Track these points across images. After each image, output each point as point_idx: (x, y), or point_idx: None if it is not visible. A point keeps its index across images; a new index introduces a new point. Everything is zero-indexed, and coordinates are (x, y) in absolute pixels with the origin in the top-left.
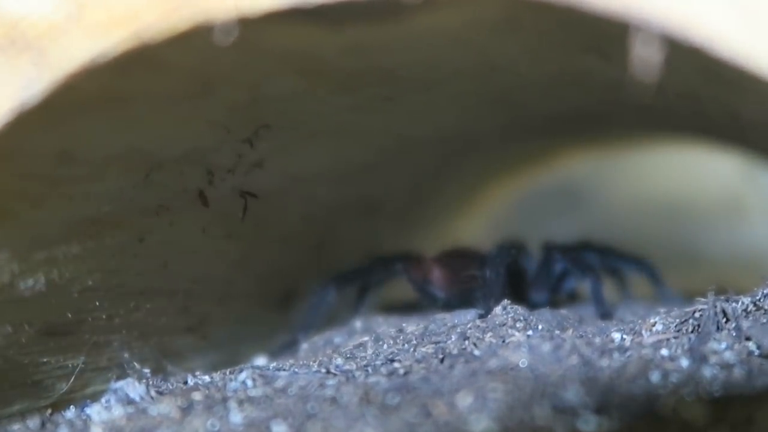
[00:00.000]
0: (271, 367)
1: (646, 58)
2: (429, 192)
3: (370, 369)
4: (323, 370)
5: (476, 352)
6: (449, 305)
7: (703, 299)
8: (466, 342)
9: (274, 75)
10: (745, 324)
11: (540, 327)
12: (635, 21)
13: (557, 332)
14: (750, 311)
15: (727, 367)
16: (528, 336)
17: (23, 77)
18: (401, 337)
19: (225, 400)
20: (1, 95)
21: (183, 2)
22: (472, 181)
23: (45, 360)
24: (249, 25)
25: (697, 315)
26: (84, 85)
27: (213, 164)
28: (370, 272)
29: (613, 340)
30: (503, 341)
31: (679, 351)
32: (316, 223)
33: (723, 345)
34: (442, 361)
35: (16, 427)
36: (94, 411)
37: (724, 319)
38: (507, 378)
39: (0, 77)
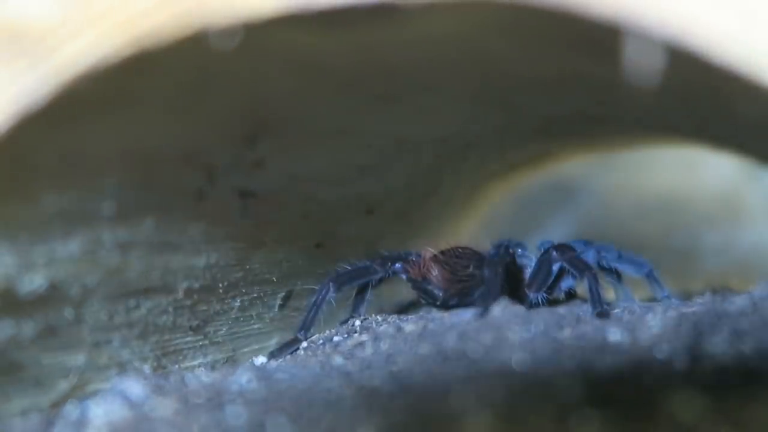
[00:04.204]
0: (271, 367)
1: (643, 62)
2: (428, 192)
3: (369, 368)
4: (323, 370)
5: (475, 352)
6: (448, 304)
7: (700, 299)
8: (465, 341)
9: (274, 76)
10: (742, 324)
11: (538, 326)
12: (632, 26)
13: (555, 331)
14: (747, 311)
15: (724, 367)
16: (526, 335)
17: (26, 81)
18: (400, 337)
19: (224, 400)
20: (3, 99)
21: (184, 8)
22: (471, 181)
23: (45, 358)
24: (250, 30)
25: (694, 315)
26: (85, 89)
27: (213, 164)
28: (369, 271)
29: (610, 340)
30: (501, 341)
31: (676, 350)
32: (316, 223)
33: (720, 345)
34: (440, 360)
35: (16, 425)
36: (94, 410)
37: (722, 320)
38: (505, 378)
39: (2, 81)
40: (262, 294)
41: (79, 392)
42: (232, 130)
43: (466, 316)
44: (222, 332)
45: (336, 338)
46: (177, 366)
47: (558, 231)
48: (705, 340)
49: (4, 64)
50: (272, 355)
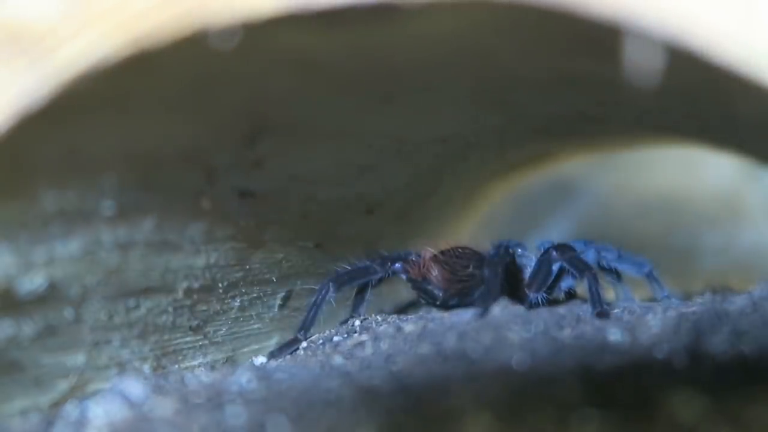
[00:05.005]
0: (270, 367)
1: (643, 62)
2: (428, 192)
3: (369, 368)
4: (323, 370)
5: (475, 352)
6: (448, 304)
7: (700, 299)
8: (465, 341)
9: (274, 76)
10: (742, 324)
11: (538, 326)
12: (632, 26)
13: (555, 331)
14: (747, 312)
15: (723, 367)
16: (526, 335)
17: (25, 81)
18: (400, 337)
19: (224, 400)
20: (3, 99)
21: (184, 8)
22: (471, 181)
23: (45, 358)
24: (250, 30)
25: (694, 315)
26: (85, 89)
27: (213, 164)
28: (369, 271)
29: (610, 340)
30: (501, 341)
31: (675, 350)
32: (316, 223)
33: (720, 345)
34: (440, 360)
35: (16, 425)
36: (94, 410)
37: (721, 320)
38: (505, 378)
39: (2, 81)
40: (262, 294)
41: (79, 392)
42: (232, 130)
43: (466, 316)
44: (222, 332)
45: (336, 338)
46: (177, 366)
47: (558, 231)
48: (705, 340)
49: (4, 64)
50: (272, 355)
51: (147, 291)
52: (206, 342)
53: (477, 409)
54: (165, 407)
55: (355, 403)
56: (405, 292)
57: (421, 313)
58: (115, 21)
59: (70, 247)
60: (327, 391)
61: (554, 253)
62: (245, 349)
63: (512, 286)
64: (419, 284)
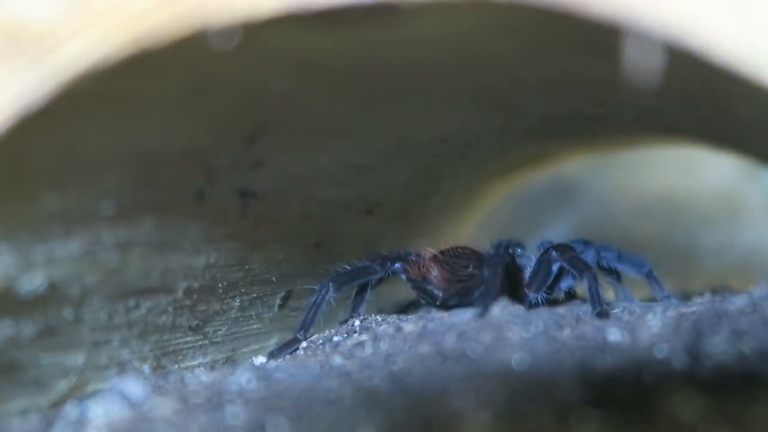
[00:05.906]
0: (270, 367)
1: (643, 62)
2: (427, 191)
3: (368, 368)
4: (322, 370)
5: (474, 352)
6: (448, 304)
7: (700, 299)
8: (465, 341)
9: (273, 76)
10: (741, 324)
11: (537, 326)
12: (632, 26)
13: (555, 331)
14: (747, 312)
15: (723, 367)
16: (526, 335)
17: (25, 81)
18: (400, 337)
19: (224, 400)
20: (3, 99)
21: (184, 8)
22: (471, 181)
23: (45, 358)
24: (250, 30)
25: (694, 314)
26: (85, 89)
27: (213, 164)
28: (368, 271)
29: (610, 340)
30: (501, 340)
31: (675, 350)
32: (316, 223)
33: (720, 345)
34: (440, 360)
35: (16, 425)
36: (94, 409)
37: (721, 320)
38: (505, 378)
39: (2, 81)
40: (261, 294)
41: (79, 392)
42: (232, 130)
43: (465, 316)
44: (221, 332)
45: (336, 338)
46: (176, 366)
47: (558, 231)
48: (705, 340)
49: (4, 63)
50: (272, 355)
51: (147, 291)
52: (206, 342)
53: (477, 408)
54: (165, 407)
55: (355, 403)
56: (405, 292)
57: (421, 313)
58: (115, 21)
59: (70, 247)
60: (327, 391)
61: (554, 253)
62: (245, 349)
63: (512, 286)
64: (419, 284)
